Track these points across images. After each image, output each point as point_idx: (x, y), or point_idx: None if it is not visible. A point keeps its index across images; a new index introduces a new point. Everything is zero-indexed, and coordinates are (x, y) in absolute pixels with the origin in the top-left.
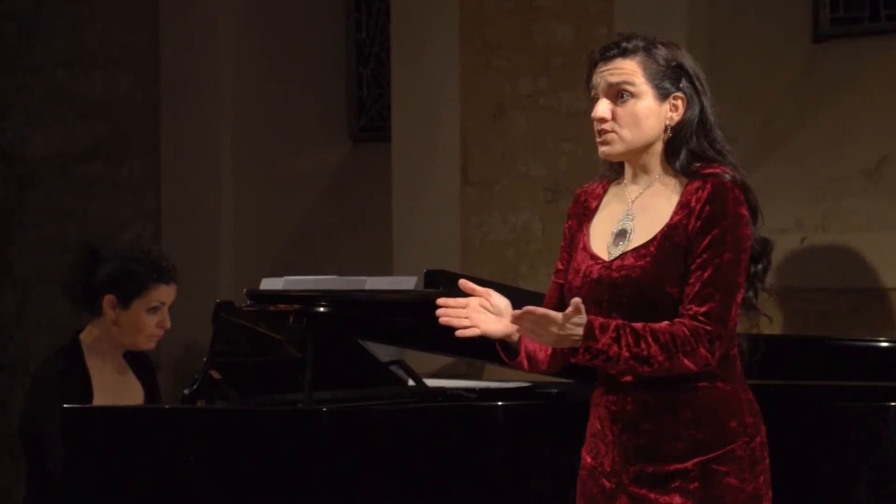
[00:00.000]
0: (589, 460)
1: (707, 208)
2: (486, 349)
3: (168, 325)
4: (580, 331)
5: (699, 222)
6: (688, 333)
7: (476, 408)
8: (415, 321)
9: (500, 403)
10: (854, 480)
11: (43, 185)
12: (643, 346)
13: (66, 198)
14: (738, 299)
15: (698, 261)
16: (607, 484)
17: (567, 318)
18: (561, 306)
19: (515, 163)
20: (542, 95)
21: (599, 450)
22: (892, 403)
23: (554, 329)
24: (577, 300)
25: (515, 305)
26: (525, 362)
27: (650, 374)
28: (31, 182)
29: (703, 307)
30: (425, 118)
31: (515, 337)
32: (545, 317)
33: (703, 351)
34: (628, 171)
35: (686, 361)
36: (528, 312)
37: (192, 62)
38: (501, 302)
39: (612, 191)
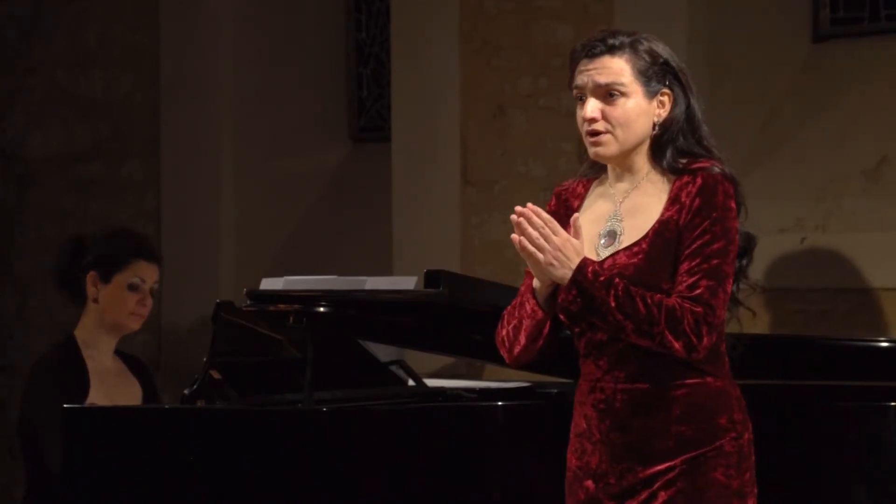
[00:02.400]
0: (574, 461)
1: (697, 201)
2: (485, 349)
3: (149, 303)
4: (575, 260)
5: (689, 215)
6: (676, 307)
7: (476, 408)
8: (415, 321)
9: (500, 403)
10: (854, 480)
11: (43, 185)
12: (630, 302)
13: (66, 198)
14: (728, 289)
15: (686, 251)
16: (592, 484)
17: (568, 239)
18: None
19: (515, 163)
20: (542, 95)
21: (585, 449)
22: (892, 403)
23: (555, 240)
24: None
25: None
26: (539, 328)
27: (634, 340)
28: (31, 182)
29: (692, 292)
30: (425, 118)
31: (550, 290)
32: (550, 222)
33: (686, 327)
34: (612, 170)
35: (668, 335)
36: (537, 213)
37: (192, 62)
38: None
39: (596, 190)
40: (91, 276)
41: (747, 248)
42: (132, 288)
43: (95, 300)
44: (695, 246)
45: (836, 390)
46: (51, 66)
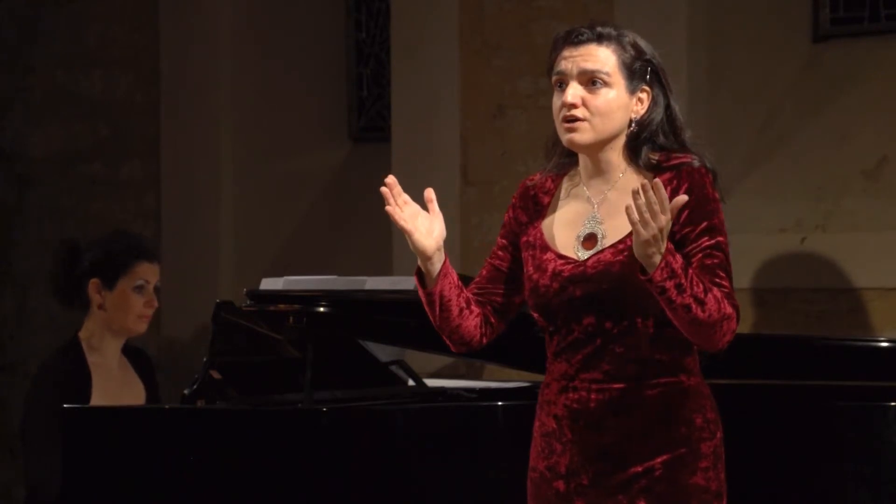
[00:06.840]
0: (541, 462)
1: (690, 198)
2: (485, 349)
3: (155, 303)
4: (663, 245)
5: (684, 212)
6: (733, 304)
7: (476, 408)
8: (415, 321)
9: (500, 403)
10: (854, 480)
11: (43, 185)
12: (701, 289)
13: (66, 198)
14: None
15: (692, 246)
16: (563, 485)
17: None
18: (493, 290)
19: (515, 163)
20: (542, 95)
21: (554, 449)
22: (892, 403)
23: (662, 220)
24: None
25: None
26: (437, 304)
27: (688, 325)
28: (31, 182)
29: (723, 290)
30: (425, 118)
31: (434, 266)
32: (665, 202)
33: (734, 324)
34: (586, 167)
35: (725, 326)
36: (658, 188)
37: (192, 62)
38: (436, 228)
39: (566, 187)
40: (94, 284)
41: None
42: (137, 290)
43: (101, 307)
44: (703, 242)
45: (836, 390)
46: (51, 66)
